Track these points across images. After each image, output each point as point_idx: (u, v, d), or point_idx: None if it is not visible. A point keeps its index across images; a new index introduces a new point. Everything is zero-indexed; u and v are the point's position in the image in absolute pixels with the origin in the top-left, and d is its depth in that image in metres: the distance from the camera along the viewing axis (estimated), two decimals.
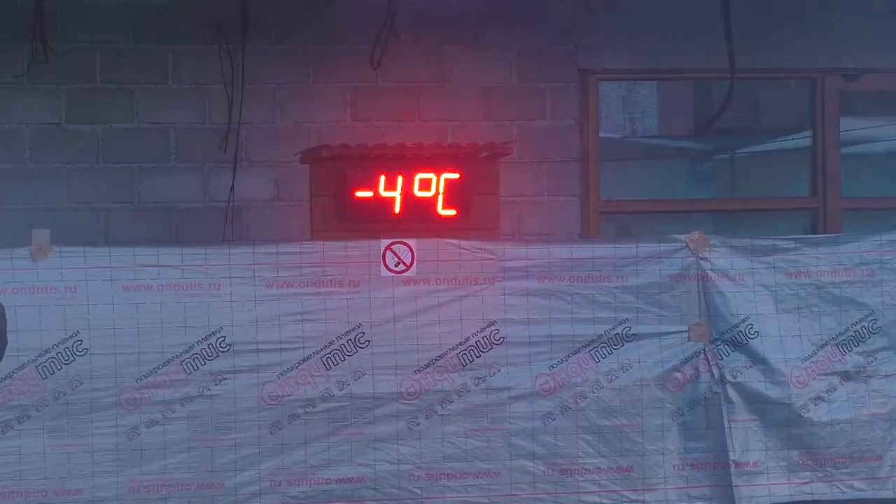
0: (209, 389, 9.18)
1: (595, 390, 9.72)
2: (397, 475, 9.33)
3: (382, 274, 9.31)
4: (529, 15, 10.98)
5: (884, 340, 10.19)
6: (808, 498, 10.20)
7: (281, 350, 9.19)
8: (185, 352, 9.14)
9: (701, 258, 9.81)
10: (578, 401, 9.67)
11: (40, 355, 8.67)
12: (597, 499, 9.82)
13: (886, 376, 10.21)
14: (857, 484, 10.06)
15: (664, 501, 10.01)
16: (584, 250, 9.99)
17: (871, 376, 10.12)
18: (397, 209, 9.64)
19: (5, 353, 6.96)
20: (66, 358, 8.87)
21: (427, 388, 9.47)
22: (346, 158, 9.96)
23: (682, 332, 9.90)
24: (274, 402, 9.29)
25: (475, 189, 10.01)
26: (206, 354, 9.11)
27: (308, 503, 9.53)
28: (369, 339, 9.28)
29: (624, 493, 9.86)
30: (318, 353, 9.30)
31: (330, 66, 10.82)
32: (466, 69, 10.94)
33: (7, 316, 6.85)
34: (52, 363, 8.83)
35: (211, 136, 10.60)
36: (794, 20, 11.29)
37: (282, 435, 9.23)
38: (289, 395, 9.21)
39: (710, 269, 9.74)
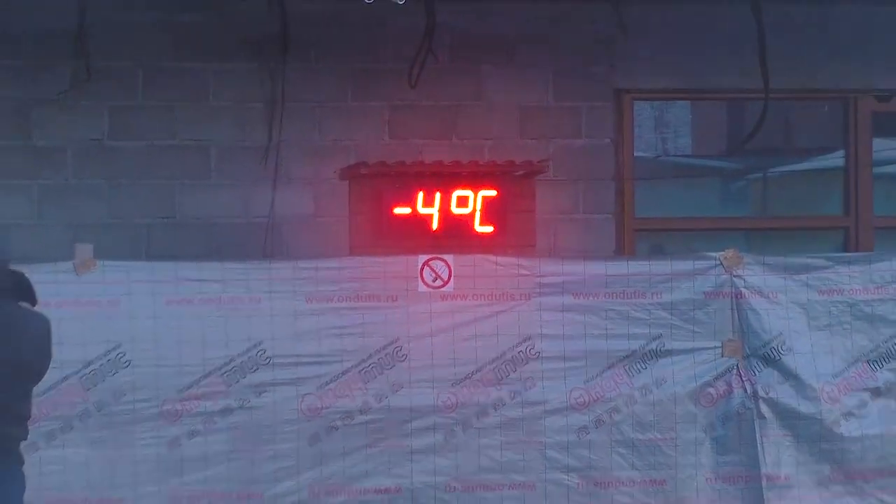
0: (249, 401, 9.32)
1: (629, 405, 9.87)
2: (434, 486, 9.50)
3: (420, 289, 9.48)
4: (565, 35, 10.96)
5: None
6: None
7: (320, 363, 9.36)
8: (226, 364, 9.26)
9: (735, 276, 9.97)
10: (613, 415, 9.82)
11: (83, 367, 8.83)
12: None
13: None
14: (888, 498, 10.12)
15: None
16: (619, 267, 10.16)
17: None
18: (435, 226, 9.89)
19: (50, 366, 7.01)
20: (109, 370, 9.03)
21: (464, 401, 9.58)
22: (384, 175, 10.25)
23: (715, 347, 10.05)
24: (313, 415, 9.42)
25: (512, 206, 10.25)
26: (246, 367, 9.24)
27: None
28: (407, 353, 9.46)
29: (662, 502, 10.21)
30: (356, 366, 9.44)
31: (368, 85, 10.92)
32: (503, 88, 11.00)
33: (51, 329, 6.99)
34: (94, 375, 8.98)
35: (251, 153, 10.68)
36: (827, 42, 11.27)
37: (320, 446, 9.36)
38: (328, 408, 9.34)
39: (744, 287, 9.92)
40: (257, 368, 9.23)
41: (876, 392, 9.99)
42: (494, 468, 9.60)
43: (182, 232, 10.54)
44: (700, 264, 10.04)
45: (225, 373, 9.24)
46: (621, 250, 11.08)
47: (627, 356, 9.80)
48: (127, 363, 9.12)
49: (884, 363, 10.13)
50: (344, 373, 9.41)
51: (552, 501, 9.82)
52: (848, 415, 9.92)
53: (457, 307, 9.54)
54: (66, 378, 8.44)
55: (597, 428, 9.69)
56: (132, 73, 10.60)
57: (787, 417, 9.99)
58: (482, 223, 10.01)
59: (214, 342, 9.36)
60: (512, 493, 9.70)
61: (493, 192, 10.06)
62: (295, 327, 9.37)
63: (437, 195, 10.05)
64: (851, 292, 10.15)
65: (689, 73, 11.55)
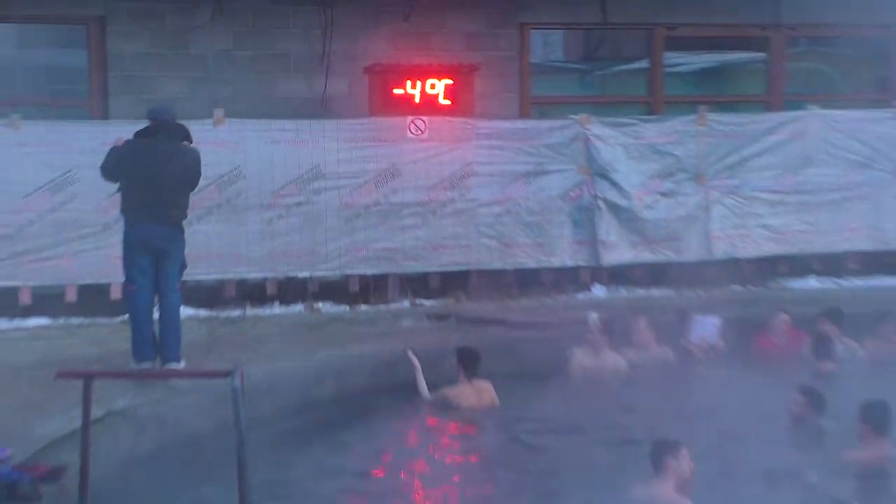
0: (311, 199, 10.79)
1: (525, 201, 11.49)
2: (415, 247, 11.09)
3: (408, 136, 11.05)
4: None
5: (684, 174, 11.77)
6: (640, 261, 11.97)
7: (351, 177, 10.85)
8: (298, 177, 10.73)
9: (585, 129, 11.46)
10: (516, 207, 11.43)
11: (218, 178, 10.13)
12: (525, 260, 11.56)
13: (685, 195, 11.84)
14: (668, 253, 11.83)
15: (562, 262, 11.73)
16: (521, 123, 11.81)
17: (676, 194, 11.80)
18: (417, 100, 11.29)
19: (200, 178, 8.52)
20: (233, 180, 10.47)
21: (432, 199, 11.12)
22: (389, 71, 11.44)
23: (574, 169, 11.64)
24: (347, 207, 10.91)
25: (461, 89, 11.53)
26: (310, 178, 10.73)
27: (367, 262, 11.10)
28: (401, 171, 10.98)
29: (540, 257, 11.62)
30: (372, 179, 10.92)
31: (380, 18, 12.06)
32: (456, 23, 12.25)
33: (200, 157, 8.42)
34: (224, 183, 10.37)
35: (313, 58, 11.80)
36: None
37: (352, 224, 10.88)
38: (356, 203, 10.87)
39: (591, 135, 11.42)
40: (316, 179, 10.74)
41: (663, 194, 11.69)
42: (448, 237, 11.15)
43: (275, 103, 11.60)
44: (566, 122, 11.55)
45: (297, 182, 10.70)
46: (522, 115, 12.41)
47: (525, 174, 11.36)
48: (243, 176, 10.54)
49: (667, 177, 11.71)
50: (365, 183, 10.87)
51: (481, 255, 11.38)
52: (647, 207, 11.61)
53: (429, 146, 11.08)
54: (208, 185, 9.41)
55: (507, 214, 11.31)
56: (245, 12, 11.79)
57: (613, 209, 11.63)
58: (444, 99, 11.37)
59: (292, 164, 10.74)
60: (460, 251, 11.28)
61: (450, 81, 11.40)
62: (337, 157, 10.77)
63: (419, 83, 11.30)
64: (650, 138, 11.74)
65: (565, 11, 12.69)
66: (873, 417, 6.85)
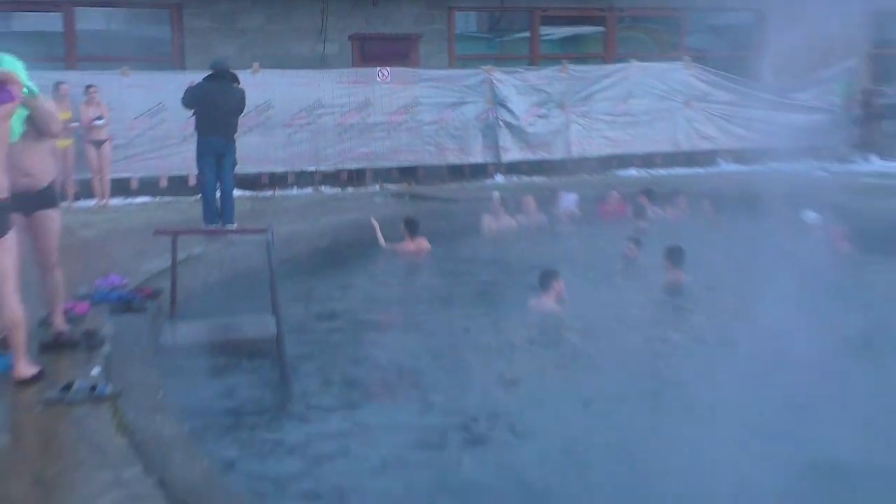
0: (316, 120, 11.35)
1: (453, 121, 12.02)
2: (385, 153, 11.73)
3: (377, 80, 11.62)
4: None
5: (553, 104, 12.36)
6: (526, 159, 12.26)
7: (341, 106, 11.41)
8: (307, 107, 11.29)
9: (490, 76, 12.06)
10: (446, 125, 11.98)
11: (255, 108, 10.39)
12: (453, 159, 12.07)
13: (553, 117, 12.38)
14: (543, 153, 12.45)
15: (476, 160, 12.14)
16: (451, 73, 12.30)
17: (548, 116, 12.41)
18: (383, 57, 11.90)
19: (245, 109, 8.55)
20: (265, 109, 10.98)
21: (392, 120, 11.66)
22: (366, 38, 12.20)
23: (483, 101, 11.96)
24: (340, 125, 11.44)
25: (411, 51, 12.30)
26: (315, 107, 11.37)
27: (352, 161, 11.55)
28: (374, 103, 11.53)
29: (462, 157, 12.13)
30: (355, 108, 11.48)
31: (356, 4, 12.44)
32: (409, 6, 12.78)
33: (246, 95, 8.52)
34: (260, 110, 10.80)
35: (314, 30, 12.31)
36: None
37: (341, 137, 11.46)
38: (345, 122, 11.44)
39: (494, 79, 12.11)
40: (319, 108, 11.39)
41: (539, 116, 12.41)
42: (403, 145, 11.82)
43: (292, 59, 11.98)
44: (477, 71, 12.19)
45: (307, 109, 11.34)
46: (450, 66, 13.01)
47: (451, 104, 11.97)
48: (272, 107, 11.08)
49: (543, 106, 12.31)
50: (350, 110, 11.47)
51: (424, 156, 11.96)
52: (530, 125, 12.34)
53: (393, 87, 11.70)
54: (249, 112, 9.36)
55: (441, 130, 11.97)
56: (272, 1, 12.25)
57: (508, 126, 12.24)
58: (401, 56, 12.11)
59: (303, 98, 11.27)
60: (411, 153, 11.89)
61: (404, 45, 12.24)
62: (332, 94, 11.40)
63: (383, 45, 12.18)
64: (531, 81, 12.40)
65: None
66: (672, 256, 7.20)
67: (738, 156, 13.18)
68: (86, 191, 10.30)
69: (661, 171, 12.80)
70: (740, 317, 6.62)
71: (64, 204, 7.76)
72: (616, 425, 4.75)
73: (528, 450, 4.47)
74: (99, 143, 10.21)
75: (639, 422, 4.76)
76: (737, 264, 7.87)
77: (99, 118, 10.17)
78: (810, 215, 9.06)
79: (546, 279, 6.52)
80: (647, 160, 13.01)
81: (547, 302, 6.48)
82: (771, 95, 13.24)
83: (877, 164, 13.21)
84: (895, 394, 5.01)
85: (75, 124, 10.02)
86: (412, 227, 8.70)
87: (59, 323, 5.17)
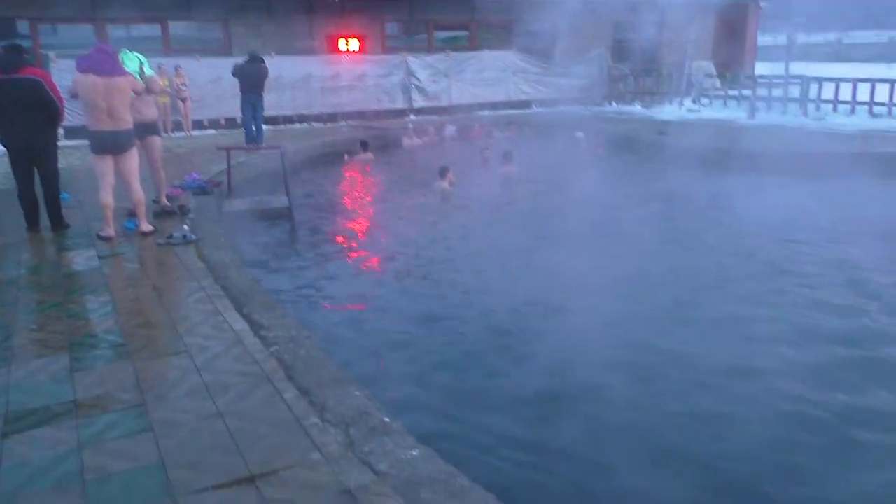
0: (308, 85, 11.93)
1: (385, 85, 12.35)
2: (348, 103, 12.40)
3: (343, 62, 12.36)
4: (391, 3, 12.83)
5: (442, 75, 12.69)
6: (428, 105, 12.84)
7: (323, 76, 12.20)
8: (303, 77, 11.95)
9: (405, 59, 13.08)
10: (382, 87, 12.38)
11: (273, 78, 9.80)
12: (386, 106, 12.26)
13: (443, 82, 12.68)
14: (437, 103, 12.76)
15: (399, 106, 12.44)
16: (384, 57, 13.08)
17: (439, 82, 12.92)
18: (345, 48, 12.85)
19: (267, 79, 8.49)
20: (279, 79, 11.18)
21: (352, 84, 12.36)
22: (334, 35, 12.82)
23: (402, 73, 12.67)
24: (322, 88, 12.14)
25: (361, 44, 13.03)
26: (307, 79, 12.06)
27: (329, 108, 12.18)
28: (341, 74, 12.16)
29: (390, 105, 12.47)
30: (330, 77, 12.31)
31: (331, 10, 12.61)
32: (359, 16, 13.18)
33: (269, 71, 8.60)
34: (276, 78, 10.76)
35: (305, 23, 12.23)
36: None
37: (324, 93, 12.16)
38: (325, 86, 12.24)
39: (408, 61, 12.93)
40: (310, 79, 12.11)
41: (434, 82, 13.07)
42: (358, 98, 12.50)
43: (294, 50, 12.37)
44: (399, 56, 12.78)
45: (303, 78, 12.06)
46: (383, 53, 13.32)
47: (385, 75, 12.60)
48: (283, 77, 11.38)
49: (436, 75, 12.99)
50: (329, 78, 12.32)
51: (370, 104, 12.29)
52: (429, 86, 13.13)
53: (351, 66, 12.47)
54: (270, 81, 9.06)
55: (378, 89, 12.53)
56: (280, 12, 12.48)
57: (417, 87, 12.71)
58: (356, 47, 12.98)
59: (301, 72, 11.84)
60: (363, 105, 12.39)
61: (356, 40, 13.08)
62: (320, 70, 12.26)
63: (346, 40, 12.82)
64: (429, 61, 13.10)
65: (400, 14, 13.66)
66: (506, 156, 7.82)
67: (542, 103, 14.05)
68: (177, 126, 11.06)
69: (501, 112, 13.67)
70: (545, 191, 7.29)
71: (164, 134, 8.15)
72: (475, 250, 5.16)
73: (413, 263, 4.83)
74: (184, 100, 11.10)
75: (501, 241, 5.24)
76: (541, 162, 8.82)
77: (183, 85, 10.99)
78: (579, 134, 10.53)
79: (443, 171, 7.10)
80: (494, 106, 13.92)
81: (443, 184, 7.03)
82: (559, 69, 14.33)
83: (615, 107, 14.54)
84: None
85: (170, 89, 10.84)
86: (364, 145, 9.45)
87: (164, 200, 5.48)
